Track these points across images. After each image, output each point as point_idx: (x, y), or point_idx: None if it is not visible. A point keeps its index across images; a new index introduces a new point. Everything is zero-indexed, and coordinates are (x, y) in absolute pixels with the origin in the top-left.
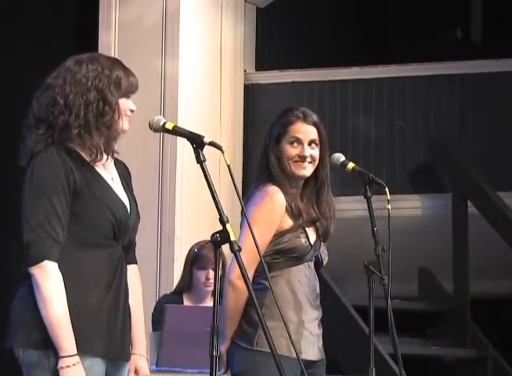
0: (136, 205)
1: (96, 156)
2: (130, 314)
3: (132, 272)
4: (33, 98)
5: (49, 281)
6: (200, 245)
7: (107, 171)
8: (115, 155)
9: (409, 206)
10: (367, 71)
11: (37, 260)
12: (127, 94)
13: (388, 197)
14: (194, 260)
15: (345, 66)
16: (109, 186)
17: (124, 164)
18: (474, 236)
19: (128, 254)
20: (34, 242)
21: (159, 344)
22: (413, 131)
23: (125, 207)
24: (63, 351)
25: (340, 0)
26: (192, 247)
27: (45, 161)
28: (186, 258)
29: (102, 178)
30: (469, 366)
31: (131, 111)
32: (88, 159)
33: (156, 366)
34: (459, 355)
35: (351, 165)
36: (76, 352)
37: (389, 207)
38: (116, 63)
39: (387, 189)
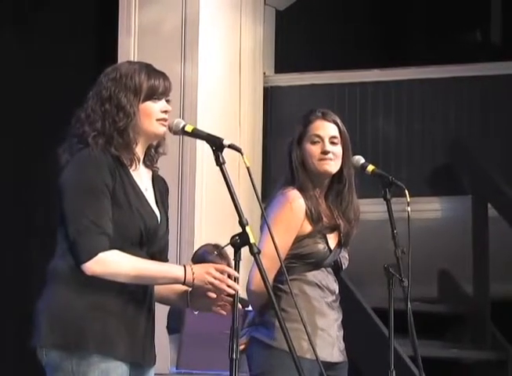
0: (167, 219)
1: (130, 162)
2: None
3: None
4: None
5: (112, 263)
6: (204, 250)
7: (142, 180)
8: (155, 169)
9: (428, 208)
10: (387, 73)
11: (91, 255)
12: (150, 97)
13: (408, 199)
14: None
15: (365, 68)
16: (143, 194)
17: (163, 179)
18: (494, 239)
19: None
20: (84, 239)
21: (178, 346)
22: (433, 134)
23: (156, 216)
24: (178, 277)
25: (360, 2)
26: (195, 251)
27: (92, 160)
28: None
29: (138, 185)
30: (489, 368)
31: (165, 112)
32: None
33: (176, 368)
34: (479, 357)
35: (370, 167)
36: (184, 264)
37: (409, 209)
38: (140, 67)
39: (406, 192)
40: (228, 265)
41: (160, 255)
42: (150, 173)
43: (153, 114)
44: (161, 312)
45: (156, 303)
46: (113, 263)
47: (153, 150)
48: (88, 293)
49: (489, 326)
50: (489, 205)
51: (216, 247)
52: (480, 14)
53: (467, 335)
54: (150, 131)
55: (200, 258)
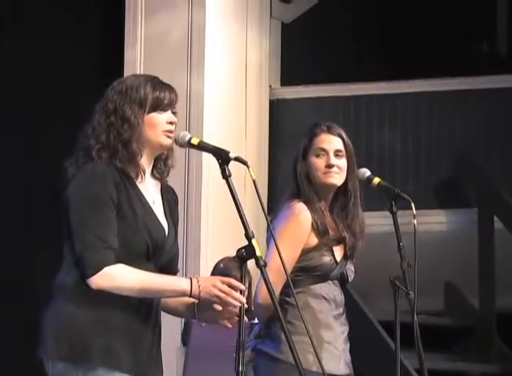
0: (175, 232)
1: (136, 175)
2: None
3: None
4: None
5: (117, 277)
6: (226, 263)
7: (149, 192)
8: (165, 180)
9: (434, 221)
10: (393, 86)
11: (96, 270)
12: (156, 109)
13: (414, 212)
14: None
15: (371, 80)
16: (150, 206)
17: (172, 189)
18: (500, 251)
19: None
20: (90, 253)
21: (185, 359)
22: (439, 146)
23: (163, 229)
24: (184, 290)
25: (365, 15)
26: (217, 264)
27: (97, 174)
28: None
29: (144, 197)
30: None
31: (171, 123)
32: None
33: None
34: (486, 370)
35: (376, 180)
36: (190, 276)
37: (415, 222)
38: (146, 80)
39: (412, 204)
40: (250, 281)
41: (170, 267)
42: (159, 185)
43: (158, 125)
44: (168, 324)
45: (163, 316)
46: (119, 277)
47: (161, 163)
48: (94, 307)
49: (495, 339)
50: (495, 218)
51: (234, 260)
52: (486, 26)
53: (473, 348)
54: (156, 142)
55: (221, 271)
